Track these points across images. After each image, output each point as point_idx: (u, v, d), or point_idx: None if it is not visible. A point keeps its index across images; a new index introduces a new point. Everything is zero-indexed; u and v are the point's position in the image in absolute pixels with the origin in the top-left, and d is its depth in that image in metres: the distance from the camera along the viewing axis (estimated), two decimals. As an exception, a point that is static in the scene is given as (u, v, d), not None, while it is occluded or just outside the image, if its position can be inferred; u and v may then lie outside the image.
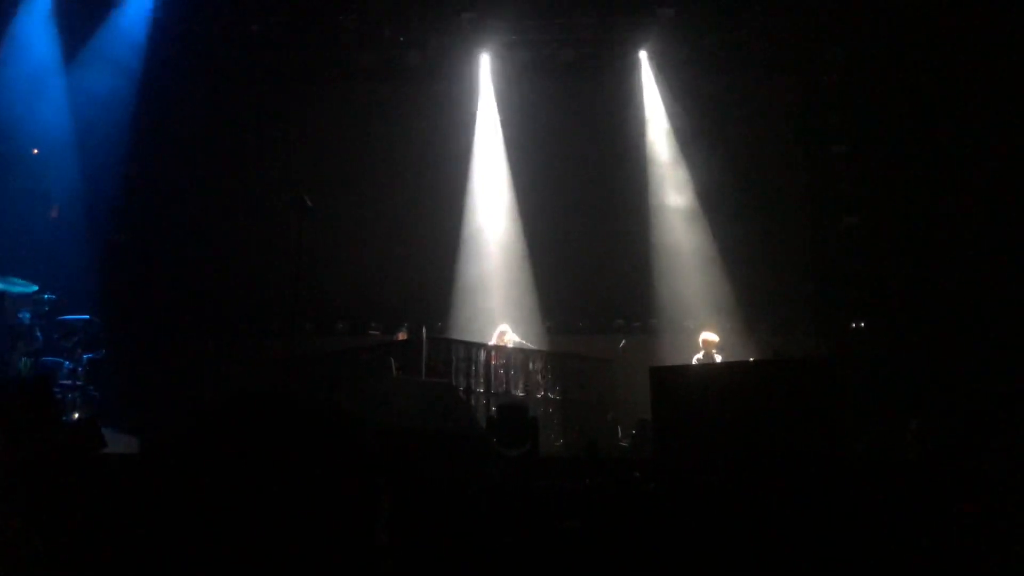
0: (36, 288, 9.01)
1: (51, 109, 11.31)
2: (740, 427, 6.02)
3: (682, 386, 6.79)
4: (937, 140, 10.58)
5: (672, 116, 12.45)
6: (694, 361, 9.42)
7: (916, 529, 4.30)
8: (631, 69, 12.71)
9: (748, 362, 8.44)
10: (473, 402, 9.25)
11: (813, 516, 4.43)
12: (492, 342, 10.22)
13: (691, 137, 12.12)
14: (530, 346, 10.56)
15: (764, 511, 4.49)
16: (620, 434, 10.11)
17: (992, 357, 8.81)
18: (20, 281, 8.89)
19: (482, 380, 9.75)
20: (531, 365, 10.29)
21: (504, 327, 10.62)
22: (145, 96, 11.61)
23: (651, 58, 12.63)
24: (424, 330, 9.53)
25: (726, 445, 5.92)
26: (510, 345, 10.34)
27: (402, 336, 10.49)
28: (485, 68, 12.94)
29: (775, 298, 11.41)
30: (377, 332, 11.82)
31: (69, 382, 8.81)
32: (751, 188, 11.76)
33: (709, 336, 9.91)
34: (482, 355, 9.88)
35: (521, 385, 10.04)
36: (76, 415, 8.43)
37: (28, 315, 8.90)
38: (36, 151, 11.16)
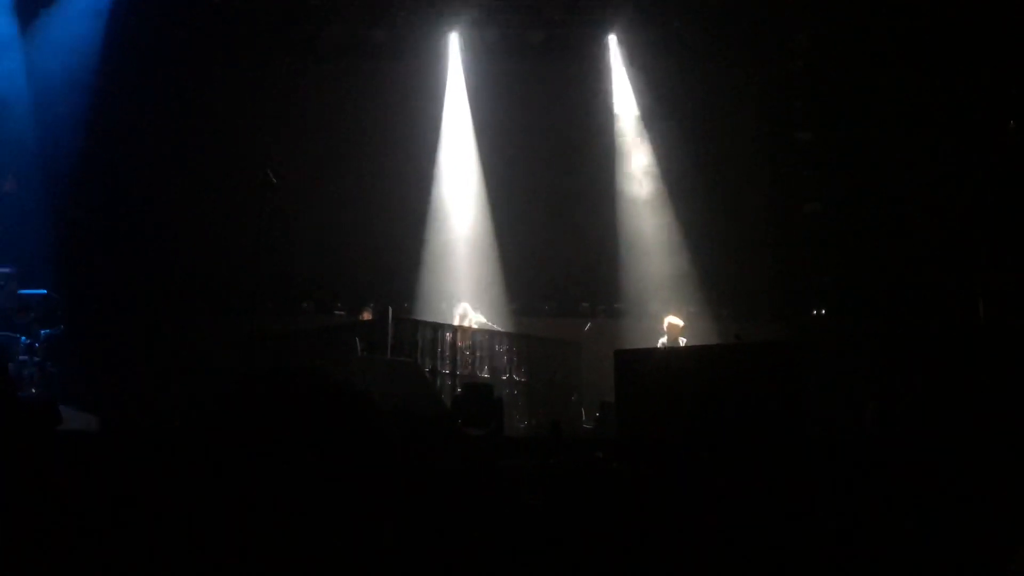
0: (-8, 262, 8.82)
1: (7, 81, 11.04)
2: (702, 409, 6.10)
3: (645, 369, 6.87)
4: (899, 127, 10.73)
5: (639, 100, 12.49)
6: (659, 345, 9.52)
7: (872, 507, 4.40)
8: (600, 52, 12.71)
9: (711, 346, 8.54)
10: (439, 383, 9.25)
11: (773, 495, 4.51)
12: (454, 322, 10.21)
13: (657, 121, 12.17)
14: (494, 327, 10.57)
15: (725, 491, 4.56)
16: (584, 416, 10.19)
17: (948, 341, 9.00)
18: (-25, 255, 8.69)
19: (448, 361, 9.74)
20: (496, 347, 10.30)
21: (464, 306, 10.61)
22: (105, 70, 11.33)
23: (620, 41, 12.63)
24: (390, 310, 9.49)
25: (688, 427, 6.01)
26: (473, 325, 10.33)
27: (367, 316, 10.44)
28: (454, 47, 12.84)
29: (738, 283, 11.55)
30: (343, 312, 11.74)
31: (26, 358, 8.65)
32: (715, 173, 11.86)
33: (673, 320, 9.98)
34: (448, 336, 9.86)
35: (487, 367, 10.05)
36: (33, 391, 8.28)
37: (-17, 290, 8.72)
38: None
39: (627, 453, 5.90)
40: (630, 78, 12.59)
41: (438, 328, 9.87)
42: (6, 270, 8.97)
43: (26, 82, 11.10)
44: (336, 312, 11.83)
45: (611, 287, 11.90)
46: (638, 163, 12.33)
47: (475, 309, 10.76)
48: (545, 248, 12.01)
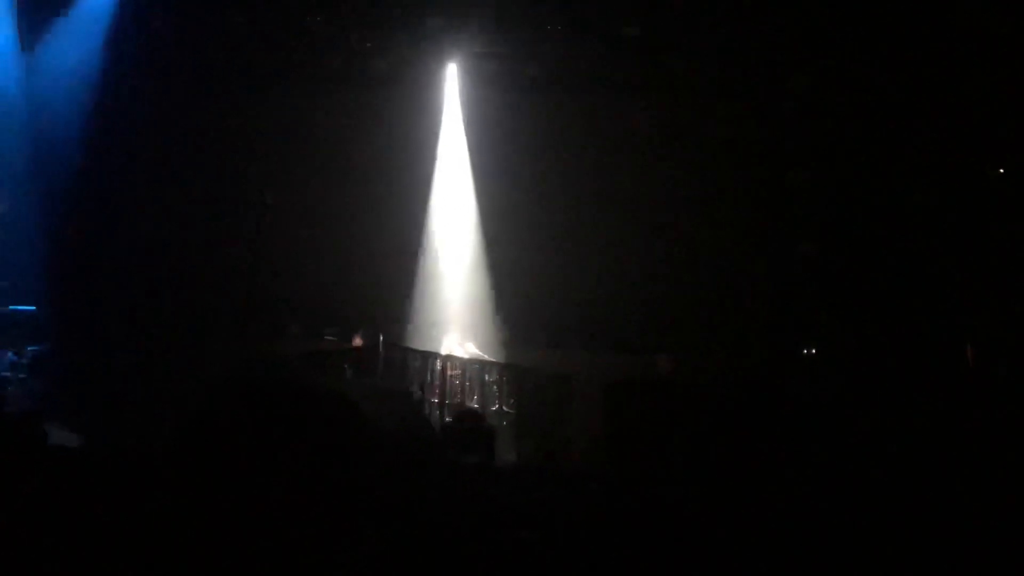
0: (-20, 276, 8.75)
1: (3, 98, 11.05)
2: (697, 444, 6.06)
3: (640, 403, 6.82)
4: (891, 164, 10.86)
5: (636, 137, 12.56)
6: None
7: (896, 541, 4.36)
8: (599, 87, 12.80)
9: (704, 382, 8.52)
10: (427, 411, 9.17)
11: (765, 529, 4.47)
12: (443, 351, 10.17)
13: (655, 160, 12.24)
14: (484, 356, 10.52)
15: (718, 525, 4.52)
16: (576, 451, 10.09)
17: (943, 386, 9.01)
18: (-37, 269, 8.61)
19: (436, 390, 9.67)
20: (486, 377, 10.24)
21: (453, 338, 10.57)
22: (102, 90, 11.36)
23: (616, 77, 12.72)
24: (381, 337, 9.44)
25: (683, 462, 5.96)
26: (464, 355, 10.28)
27: (359, 342, 10.38)
28: (452, 78, 12.93)
29: (730, 322, 11.54)
30: (332, 338, 11.66)
31: (10, 374, 8.55)
32: (710, 213, 11.90)
33: (663, 358, 10.03)
34: (438, 365, 9.82)
35: (476, 397, 9.99)
36: (16, 408, 8.15)
37: (-31, 304, 8.64)
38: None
39: (620, 486, 5.84)
40: (625, 115, 12.67)
41: (428, 356, 9.83)
42: (-4, 285, 8.91)
43: (23, 100, 11.11)
44: (326, 337, 11.75)
45: (603, 320, 11.87)
46: (633, 198, 12.36)
47: (466, 339, 10.71)
48: (538, 280, 11.99)
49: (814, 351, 11.29)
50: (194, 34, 11.99)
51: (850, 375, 10.21)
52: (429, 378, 9.60)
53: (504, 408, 10.05)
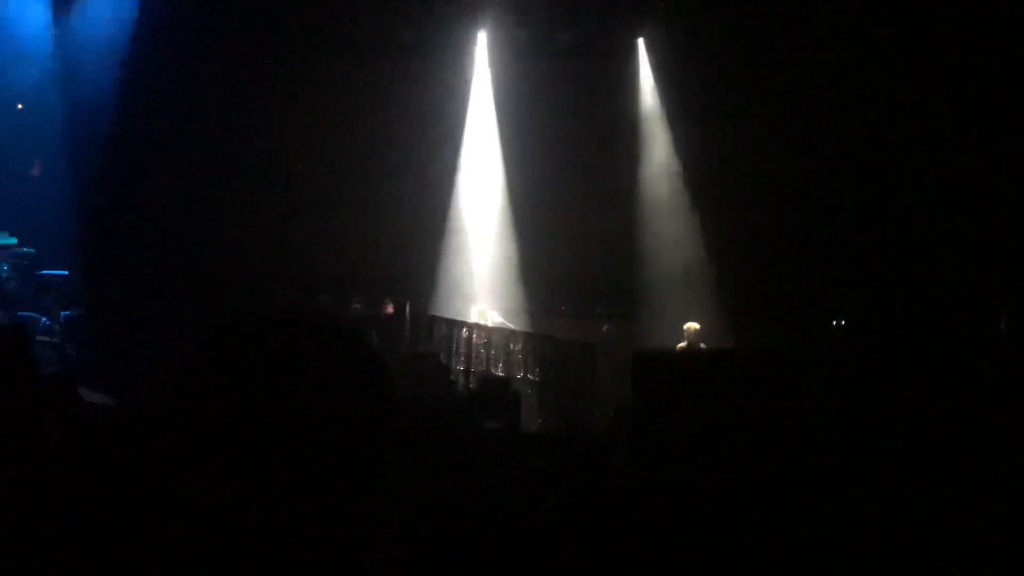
0: (15, 241, 8.89)
1: (38, 67, 11.17)
2: (723, 414, 6.05)
3: (667, 371, 6.80)
4: (925, 136, 10.66)
5: (665, 105, 12.42)
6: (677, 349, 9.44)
7: (894, 527, 4.33)
8: (628, 56, 12.66)
9: (733, 349, 8.47)
10: (453, 378, 9.23)
11: (796, 507, 4.45)
12: (469, 320, 10.21)
13: (682, 126, 12.10)
14: (510, 326, 10.55)
15: (744, 496, 4.50)
16: (599, 420, 10.12)
17: (972, 355, 8.88)
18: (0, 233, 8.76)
19: (463, 358, 9.73)
20: (512, 346, 10.29)
21: (482, 306, 10.59)
22: (133, 59, 11.45)
23: (649, 46, 12.57)
24: (408, 305, 9.49)
25: (711, 432, 5.95)
26: (490, 324, 10.32)
27: (390, 309, 10.45)
28: (481, 47, 12.84)
29: (759, 292, 11.44)
30: (360, 305, 11.74)
31: (46, 338, 8.70)
32: (739, 181, 11.76)
33: (691, 325, 9.97)
34: (464, 333, 9.86)
35: (501, 365, 10.03)
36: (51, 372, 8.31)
37: (6, 268, 8.78)
38: (20, 106, 11.00)
39: (645, 455, 5.85)
40: (657, 83, 12.53)
41: (454, 324, 9.87)
42: (28, 251, 9.04)
43: (56, 68, 11.22)
44: (354, 306, 11.82)
45: (630, 290, 11.83)
46: (662, 167, 12.25)
47: (492, 308, 10.74)
48: (565, 250, 11.95)
49: (843, 323, 11.17)
50: (222, 8, 12.01)
51: (881, 347, 10.10)
52: (455, 346, 9.66)
53: (529, 376, 10.09)
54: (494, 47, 12.77)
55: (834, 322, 11.24)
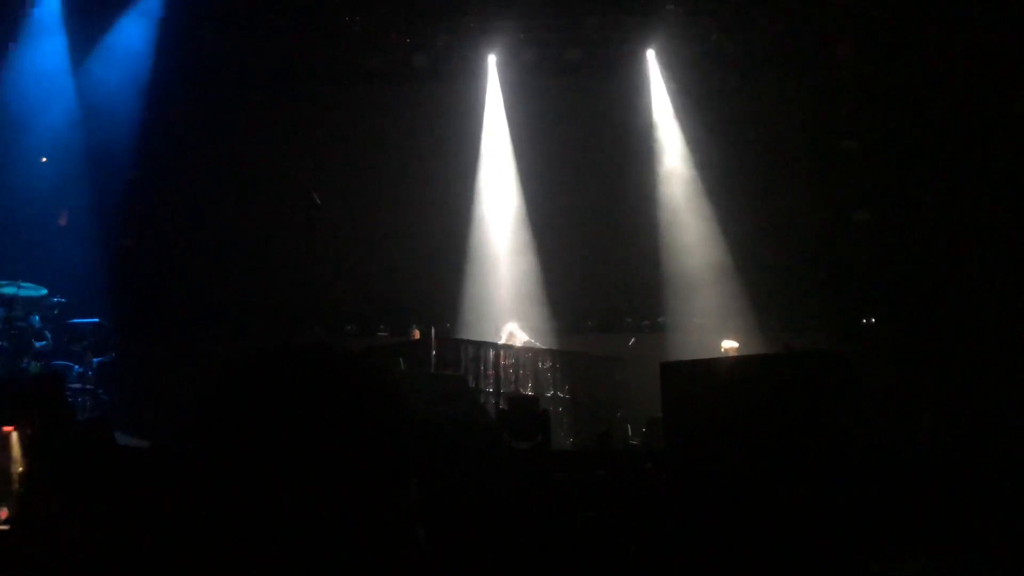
0: (46, 292, 9.04)
1: (60, 115, 11.38)
2: (752, 420, 5.98)
3: (692, 380, 6.74)
4: (947, 133, 10.53)
5: (679, 114, 12.43)
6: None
7: (927, 521, 4.26)
8: (639, 67, 12.70)
9: (759, 355, 8.39)
10: (482, 400, 9.22)
11: (825, 509, 4.40)
12: (501, 341, 10.21)
13: (698, 134, 12.10)
14: (539, 345, 10.54)
15: (776, 504, 4.46)
16: (630, 432, 10.07)
17: (1002, 352, 8.75)
18: (30, 285, 8.91)
19: (491, 379, 9.72)
20: (540, 364, 10.27)
21: (512, 326, 10.60)
22: (152, 100, 11.66)
23: (658, 56, 12.60)
24: (433, 330, 9.52)
25: (738, 438, 5.88)
26: (519, 344, 10.32)
27: (416, 335, 10.49)
28: (492, 69, 12.95)
29: (785, 294, 11.36)
30: (386, 334, 11.81)
31: (79, 385, 8.82)
32: (759, 184, 11.73)
33: (730, 344, 9.89)
34: (491, 354, 9.85)
35: (530, 384, 10.01)
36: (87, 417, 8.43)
37: (38, 319, 8.93)
38: (44, 159, 11.21)
39: (676, 465, 5.80)
40: (669, 92, 12.55)
41: (480, 346, 9.87)
42: (59, 300, 9.19)
43: (76, 113, 11.44)
44: (380, 333, 11.89)
45: (654, 302, 11.79)
46: (679, 177, 12.24)
47: (517, 327, 10.74)
48: (587, 265, 11.97)
49: (873, 321, 11.05)
50: (235, 42, 12.24)
51: (911, 344, 9.97)
52: (482, 367, 9.64)
53: (559, 394, 10.06)
54: (505, 68, 12.89)
55: (864, 321, 11.13)
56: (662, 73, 12.60)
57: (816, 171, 12.14)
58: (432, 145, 12.46)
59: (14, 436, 3.50)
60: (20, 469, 3.35)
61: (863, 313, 11.20)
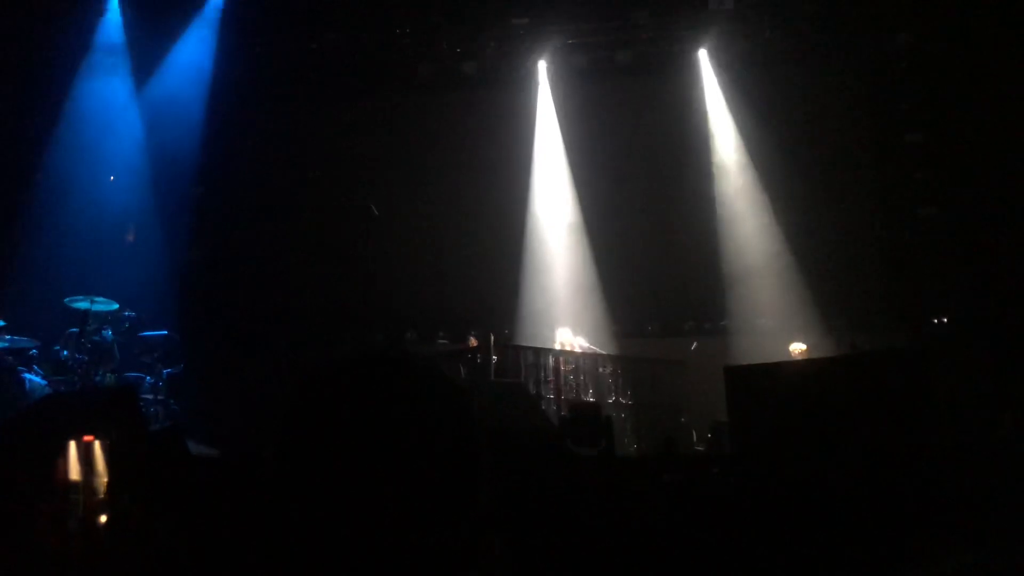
0: (117, 306, 9.30)
1: (125, 134, 11.74)
2: (824, 424, 5.82)
3: (760, 384, 6.60)
4: (1015, 122, 10.16)
5: (735, 113, 12.22)
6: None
7: (1011, 521, 4.09)
8: (690, 68, 12.54)
9: (828, 357, 8.19)
10: (543, 407, 9.19)
11: (898, 511, 4.27)
12: (555, 346, 10.18)
13: (755, 131, 11.88)
14: (597, 349, 10.46)
15: (849, 508, 4.35)
16: (695, 437, 9.93)
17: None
18: (102, 299, 9.18)
19: (551, 386, 9.68)
20: (600, 369, 10.20)
21: (564, 331, 10.55)
22: (212, 116, 11.95)
23: (711, 55, 12.43)
24: (492, 337, 9.52)
25: (810, 442, 5.73)
26: (576, 349, 10.26)
27: (474, 343, 10.51)
28: (542, 74, 12.95)
29: (851, 294, 11.08)
30: (445, 341, 11.86)
31: (151, 396, 9.05)
32: (820, 182, 11.47)
33: (798, 347, 9.70)
34: (550, 360, 9.81)
35: (591, 390, 9.94)
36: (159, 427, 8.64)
37: (110, 333, 9.20)
38: (112, 178, 11.57)
39: (744, 470, 5.68)
40: (723, 90, 12.35)
41: (540, 352, 9.84)
42: (129, 314, 9.45)
43: (140, 132, 11.79)
44: (439, 341, 11.95)
45: (716, 304, 11.61)
46: (736, 175, 12.03)
47: (576, 333, 10.68)
48: (646, 268, 11.85)
49: (945, 320, 10.70)
50: (289, 58, 12.46)
51: (985, 342, 9.63)
52: (543, 374, 9.61)
53: (620, 399, 9.98)
54: (555, 73, 12.87)
55: (935, 320, 10.78)
56: (715, 71, 12.41)
57: (879, 166, 11.81)
58: (485, 152, 12.49)
59: (97, 445, 3.60)
60: (105, 479, 3.45)
61: (934, 312, 10.85)
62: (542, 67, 12.93)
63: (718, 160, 12.19)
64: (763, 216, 11.58)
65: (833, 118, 11.88)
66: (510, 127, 12.72)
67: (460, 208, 12.41)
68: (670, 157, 12.21)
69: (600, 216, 12.23)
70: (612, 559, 4.19)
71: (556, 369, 9.79)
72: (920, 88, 11.36)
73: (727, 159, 12.15)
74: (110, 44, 11.73)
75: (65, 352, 8.87)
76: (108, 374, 9.00)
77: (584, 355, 10.19)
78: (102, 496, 3.36)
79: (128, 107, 11.87)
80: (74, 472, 3.49)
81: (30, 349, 8.76)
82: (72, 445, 3.60)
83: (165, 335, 9.51)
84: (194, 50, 11.92)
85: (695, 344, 11.18)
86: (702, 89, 12.47)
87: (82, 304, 9.03)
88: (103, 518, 3.24)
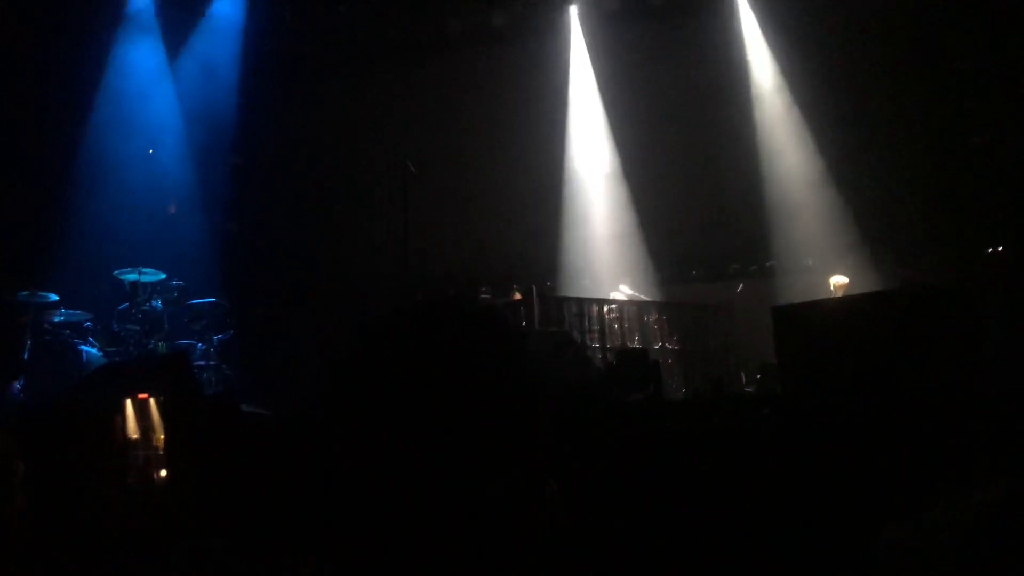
0: (164, 276, 9.46)
1: (162, 108, 11.84)
2: (871, 360, 5.71)
3: (808, 322, 6.50)
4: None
5: (772, 45, 11.85)
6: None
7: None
8: (727, 8, 12.18)
9: (877, 292, 8.02)
10: (589, 356, 9.19)
11: (950, 452, 4.19)
12: (598, 296, 10.16)
13: (795, 63, 11.51)
14: (641, 297, 10.42)
15: (900, 448, 4.28)
16: (744, 379, 9.86)
17: None
18: (150, 271, 9.34)
19: (596, 334, 9.67)
20: (645, 317, 10.15)
21: (610, 281, 10.52)
22: (245, 85, 11.98)
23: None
24: (535, 289, 9.52)
25: (857, 380, 5.64)
26: (620, 297, 10.23)
27: (518, 296, 10.52)
28: (574, 20, 12.72)
29: (899, 226, 10.80)
30: (488, 296, 11.88)
31: (203, 362, 9.23)
32: (865, 112, 11.10)
33: (839, 280, 9.51)
34: (594, 310, 9.80)
35: (636, 338, 9.91)
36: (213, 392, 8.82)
37: (159, 303, 9.36)
38: (152, 151, 11.69)
39: (794, 410, 5.62)
40: (759, 22, 11.98)
41: (583, 302, 9.83)
42: (177, 283, 9.61)
43: (177, 108, 11.87)
44: (482, 296, 11.97)
45: (761, 245, 11.41)
46: (776, 110, 11.70)
47: (619, 281, 10.64)
48: (687, 213, 11.68)
49: (1000, 250, 10.37)
50: (320, 19, 12.40)
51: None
52: (586, 323, 9.61)
53: (667, 345, 9.94)
54: (587, 19, 12.64)
55: (989, 250, 10.46)
56: (750, 4, 12.04)
57: (928, 95, 11.38)
58: (519, 104, 12.36)
59: (152, 402, 3.70)
60: (161, 436, 3.55)
61: (986, 242, 10.52)
62: (573, 12, 12.70)
63: (757, 94, 11.85)
64: (805, 150, 11.27)
65: (876, 45, 11.44)
66: (544, 76, 12.55)
67: (497, 163, 12.32)
68: (707, 95, 11.91)
69: (638, 162, 12.06)
70: (663, 502, 4.20)
71: (600, 318, 9.78)
72: (971, 11, 10.88)
73: (766, 92, 11.81)
74: (141, 12, 11.77)
75: (116, 325, 9.06)
76: (160, 343, 9.19)
77: (628, 303, 10.14)
78: (159, 451, 3.46)
79: (162, 78, 11.95)
80: (132, 430, 3.59)
81: (84, 322, 8.98)
82: (128, 404, 3.70)
83: (213, 302, 9.65)
84: (224, 17, 11.93)
85: (741, 286, 11.04)
86: (738, 21, 12.11)
87: (130, 276, 9.20)
88: (162, 472, 3.35)
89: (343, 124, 12.60)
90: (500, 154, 12.35)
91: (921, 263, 10.34)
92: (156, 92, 11.87)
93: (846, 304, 7.73)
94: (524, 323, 8.93)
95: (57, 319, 8.77)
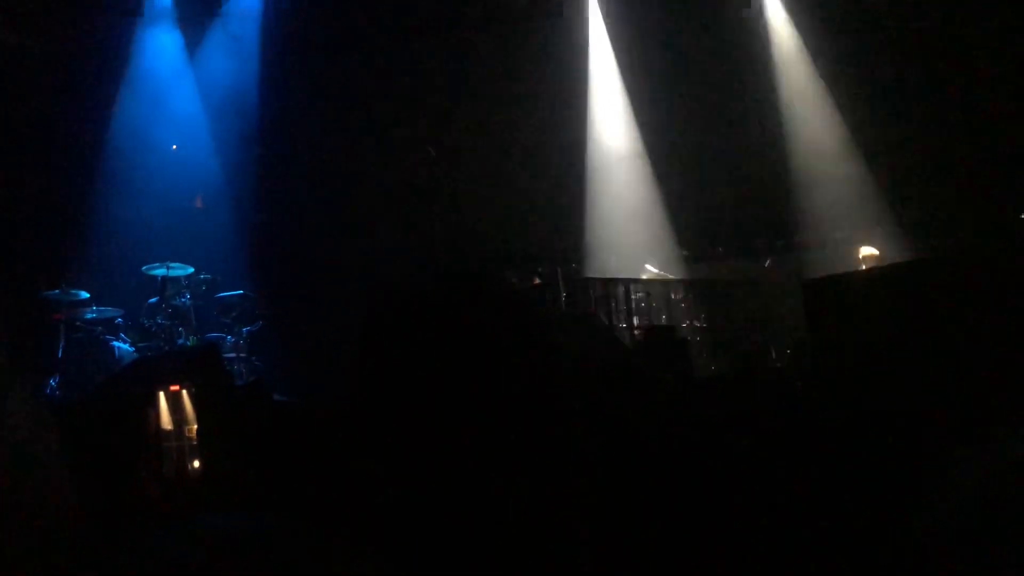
0: (192, 270, 9.55)
1: (185, 101, 11.88)
2: (906, 332, 5.62)
3: (839, 296, 6.40)
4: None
5: (793, 12, 11.61)
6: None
7: None
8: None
9: (910, 261, 7.88)
10: (616, 336, 9.15)
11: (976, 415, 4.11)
12: (623, 275, 10.10)
13: (816, 29, 11.27)
14: (667, 275, 10.35)
15: (934, 420, 4.20)
16: (774, 355, 9.77)
17: None
18: (178, 265, 9.44)
19: (623, 315, 9.63)
20: (672, 295, 10.10)
21: (636, 260, 10.45)
22: (266, 76, 12.00)
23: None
24: (559, 271, 9.49)
25: (892, 353, 5.55)
26: (646, 276, 10.17)
27: (538, 280, 10.50)
28: (593, -2, 12.59)
29: (930, 191, 10.57)
30: (514, 280, 11.84)
31: (233, 355, 9.32)
32: (891, 72, 10.82)
33: (869, 251, 9.37)
34: (620, 290, 9.75)
35: (664, 316, 9.86)
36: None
37: (188, 297, 9.45)
38: (175, 147, 11.77)
39: (828, 382, 5.56)
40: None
41: (608, 283, 9.79)
42: (205, 276, 9.70)
43: (199, 100, 11.92)
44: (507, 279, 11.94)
45: (787, 219, 11.25)
46: (800, 76, 11.45)
47: (645, 260, 10.58)
48: (711, 188, 11.54)
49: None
50: (340, 7, 12.36)
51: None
52: (614, 304, 9.56)
53: (695, 323, 9.87)
54: (606, -2, 12.47)
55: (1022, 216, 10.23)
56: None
57: (958, 57, 11.09)
58: (540, 85, 12.25)
59: (184, 394, 3.76)
60: (194, 427, 3.61)
61: (1021, 207, 10.28)
62: (592, -11, 12.57)
63: (780, 61, 11.61)
64: (829, 116, 11.03)
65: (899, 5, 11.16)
66: (563, 57, 12.43)
67: (517, 144, 12.24)
68: (729, 67, 11.72)
69: (661, 138, 11.93)
70: (694, 483, 4.16)
71: (627, 298, 9.73)
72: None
73: (789, 59, 11.58)
74: (159, 9, 11.81)
75: (145, 321, 9.17)
76: (190, 336, 9.29)
77: (655, 282, 10.09)
78: (193, 441, 3.52)
79: (183, 67, 11.99)
80: (165, 421, 3.65)
81: (115, 318, 9.10)
82: (161, 396, 3.75)
83: (242, 294, 9.73)
84: (244, 2, 11.94)
85: (768, 261, 10.92)
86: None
87: (159, 271, 9.30)
88: (196, 463, 3.40)
89: (365, 106, 12.56)
90: (520, 135, 12.25)
91: (954, 229, 10.13)
92: (178, 84, 11.91)
93: (880, 274, 7.59)
94: (551, 306, 8.90)
95: (89, 316, 8.89)
